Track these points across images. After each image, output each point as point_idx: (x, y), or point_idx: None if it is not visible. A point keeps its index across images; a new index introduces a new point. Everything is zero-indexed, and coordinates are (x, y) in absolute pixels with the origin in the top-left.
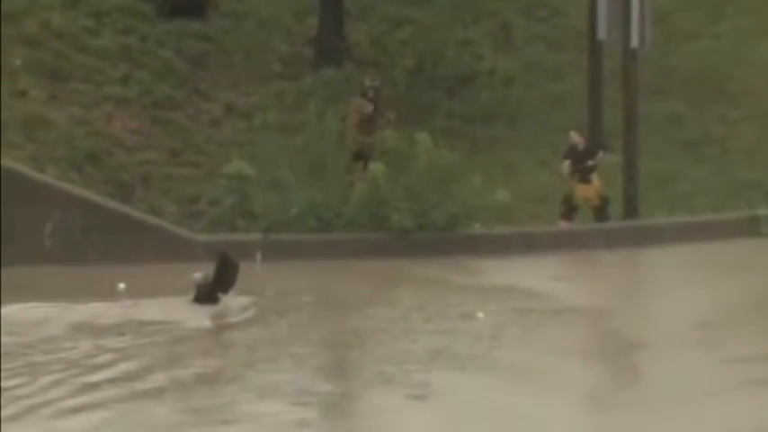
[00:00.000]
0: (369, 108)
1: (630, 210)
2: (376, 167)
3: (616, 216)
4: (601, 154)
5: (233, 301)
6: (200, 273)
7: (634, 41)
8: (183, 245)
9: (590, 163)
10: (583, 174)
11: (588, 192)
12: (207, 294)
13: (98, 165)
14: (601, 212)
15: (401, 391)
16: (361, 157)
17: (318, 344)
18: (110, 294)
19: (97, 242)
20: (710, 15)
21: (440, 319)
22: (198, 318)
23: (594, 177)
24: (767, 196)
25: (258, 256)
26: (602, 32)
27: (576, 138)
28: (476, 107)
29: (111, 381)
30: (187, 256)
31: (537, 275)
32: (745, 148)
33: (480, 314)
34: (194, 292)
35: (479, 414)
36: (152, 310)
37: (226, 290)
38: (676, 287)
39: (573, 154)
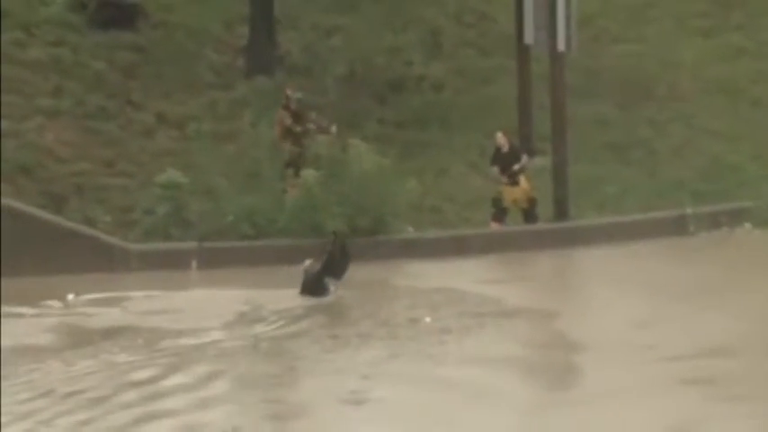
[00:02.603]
0: (288, 120)
1: (560, 211)
2: (308, 174)
3: (546, 218)
4: (525, 157)
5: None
6: (310, 259)
7: (560, 45)
8: (117, 254)
9: (516, 167)
10: (510, 177)
11: (516, 194)
12: (315, 281)
13: (31, 176)
14: (529, 214)
15: (343, 396)
16: (292, 165)
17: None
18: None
19: (31, 253)
20: (636, 19)
21: (387, 325)
22: None
23: (522, 179)
24: (694, 196)
25: (193, 264)
26: (528, 37)
27: (502, 140)
28: (407, 113)
29: None
30: (122, 266)
31: (473, 278)
32: (671, 149)
33: (428, 318)
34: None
35: (420, 414)
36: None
37: (339, 275)
38: (610, 287)
39: (498, 156)
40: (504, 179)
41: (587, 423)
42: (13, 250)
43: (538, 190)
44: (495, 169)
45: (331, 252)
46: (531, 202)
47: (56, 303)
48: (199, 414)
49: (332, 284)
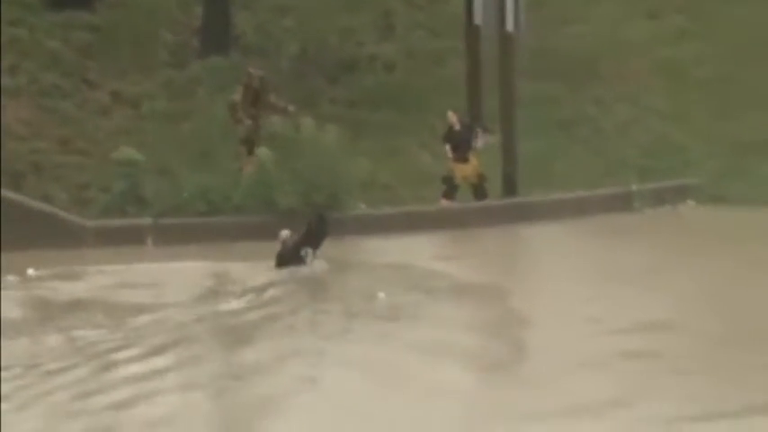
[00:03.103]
0: (237, 96)
1: (509, 188)
2: (263, 152)
3: (496, 195)
4: (480, 132)
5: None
6: (287, 230)
7: (509, 26)
8: (74, 231)
9: (477, 144)
10: (463, 153)
11: (466, 171)
12: (292, 251)
13: None
14: (479, 190)
15: (297, 370)
16: (247, 142)
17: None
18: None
19: None
20: (583, 0)
21: (343, 300)
22: None
23: (472, 157)
24: (639, 173)
25: (149, 240)
26: (478, 18)
27: (453, 118)
28: (359, 93)
29: None
30: (79, 242)
31: (425, 254)
32: (617, 127)
33: (381, 294)
34: (277, 255)
35: (372, 388)
36: None
37: (316, 245)
38: (557, 263)
39: (451, 134)
40: (454, 156)
41: (531, 398)
42: None
43: (487, 167)
44: (448, 147)
45: (310, 222)
46: (481, 178)
47: (15, 278)
48: (153, 383)
49: (309, 255)
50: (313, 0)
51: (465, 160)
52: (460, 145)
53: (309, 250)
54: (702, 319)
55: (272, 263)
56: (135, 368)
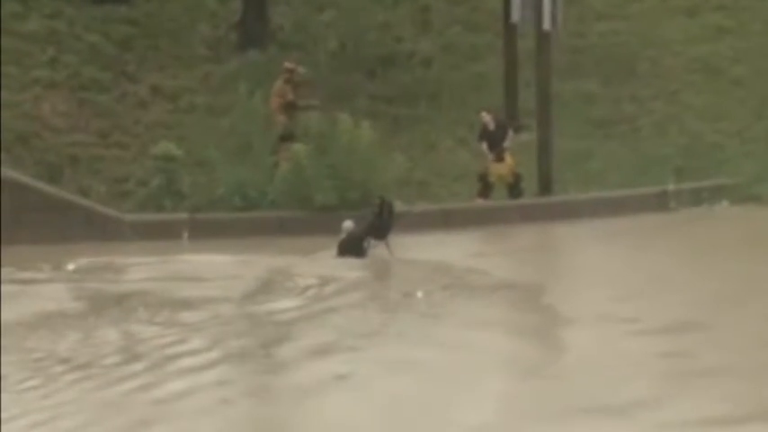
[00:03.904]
0: (290, 95)
1: (545, 186)
2: (298, 148)
3: (532, 192)
4: (511, 133)
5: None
6: (350, 220)
7: (546, 24)
8: (111, 224)
9: (505, 144)
10: (498, 153)
11: (502, 170)
12: (356, 241)
13: (27, 146)
14: (514, 189)
15: (333, 368)
16: (285, 138)
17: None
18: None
19: (27, 222)
20: None
21: (381, 298)
22: None
23: (508, 156)
24: (675, 172)
25: (185, 234)
26: (515, 15)
27: (486, 117)
28: (397, 88)
29: None
30: (115, 236)
31: (462, 251)
32: (654, 125)
33: (420, 293)
34: (339, 244)
35: (416, 385)
36: None
37: (381, 236)
38: (593, 261)
39: (486, 133)
40: (492, 156)
41: (560, 396)
42: (9, 219)
43: (523, 165)
44: (484, 145)
45: (377, 213)
46: (516, 177)
47: (55, 271)
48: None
49: (371, 246)
50: None
51: (501, 159)
52: (496, 144)
53: (372, 240)
54: (737, 320)
55: (325, 255)
56: (188, 362)
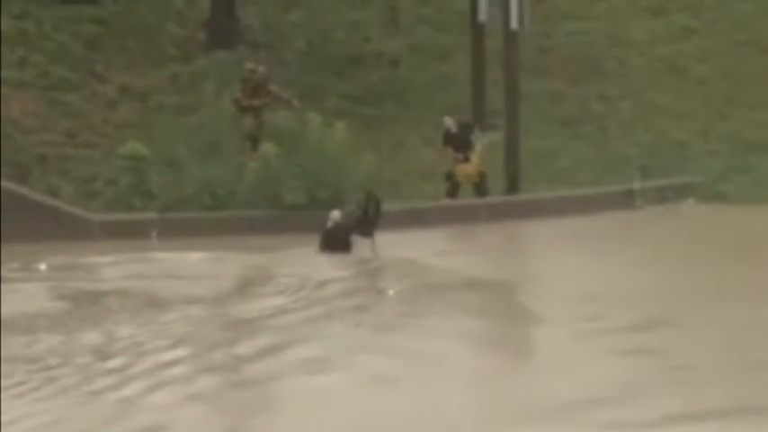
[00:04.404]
0: (237, 94)
1: (512, 185)
2: (267, 147)
3: (499, 191)
4: (478, 132)
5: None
6: (337, 210)
7: (513, 23)
8: (80, 224)
9: (476, 145)
10: (462, 154)
11: (469, 169)
12: (342, 236)
13: None
14: (480, 188)
15: (305, 367)
16: (251, 138)
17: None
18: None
19: None
20: None
21: (354, 296)
22: None
23: (473, 156)
24: (641, 170)
25: (154, 234)
26: (482, 15)
27: (449, 122)
28: (365, 88)
29: None
30: (84, 235)
31: (431, 249)
32: (621, 124)
33: (391, 291)
34: (324, 233)
35: (379, 383)
36: None
37: (368, 232)
38: (560, 259)
39: (449, 137)
40: (459, 157)
41: (526, 396)
42: None
43: (491, 164)
44: (450, 150)
45: (365, 209)
46: (482, 176)
47: (26, 272)
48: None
49: (360, 242)
50: None
51: (466, 159)
52: (461, 146)
53: (358, 237)
54: (704, 318)
55: (299, 252)
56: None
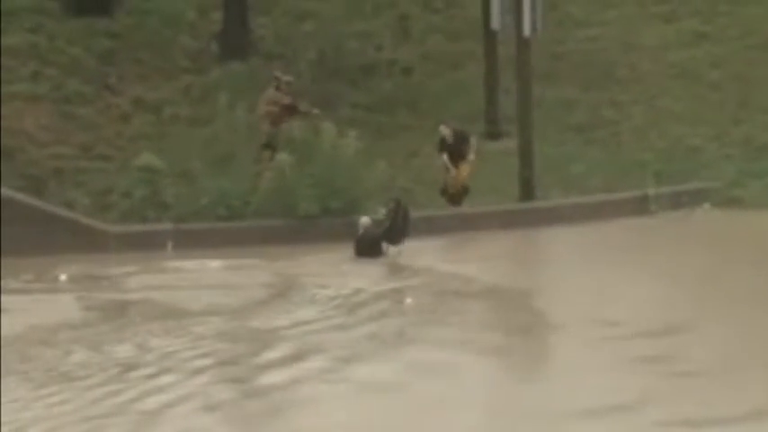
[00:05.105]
0: (286, 99)
1: (527, 192)
2: (282, 157)
3: (513, 198)
4: (473, 142)
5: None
6: (367, 216)
7: (526, 30)
8: (96, 236)
9: (470, 157)
10: (453, 163)
11: (458, 176)
12: (373, 242)
13: (11, 160)
14: (455, 198)
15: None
16: (269, 147)
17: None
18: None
19: (12, 235)
20: (599, 3)
21: (372, 304)
22: None
23: (463, 166)
24: (655, 176)
25: (169, 245)
26: (495, 22)
27: (445, 131)
28: (378, 97)
29: None
30: (100, 247)
31: (447, 257)
32: (634, 130)
33: (409, 299)
34: (356, 240)
35: (394, 392)
36: None
37: (397, 240)
38: (576, 266)
39: (445, 146)
40: (452, 169)
41: (544, 400)
42: None
43: (504, 171)
44: (445, 157)
45: (394, 218)
46: (464, 188)
47: (46, 283)
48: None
49: (389, 248)
50: (331, 5)
51: (457, 168)
52: (457, 155)
53: (388, 245)
54: (719, 323)
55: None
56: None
